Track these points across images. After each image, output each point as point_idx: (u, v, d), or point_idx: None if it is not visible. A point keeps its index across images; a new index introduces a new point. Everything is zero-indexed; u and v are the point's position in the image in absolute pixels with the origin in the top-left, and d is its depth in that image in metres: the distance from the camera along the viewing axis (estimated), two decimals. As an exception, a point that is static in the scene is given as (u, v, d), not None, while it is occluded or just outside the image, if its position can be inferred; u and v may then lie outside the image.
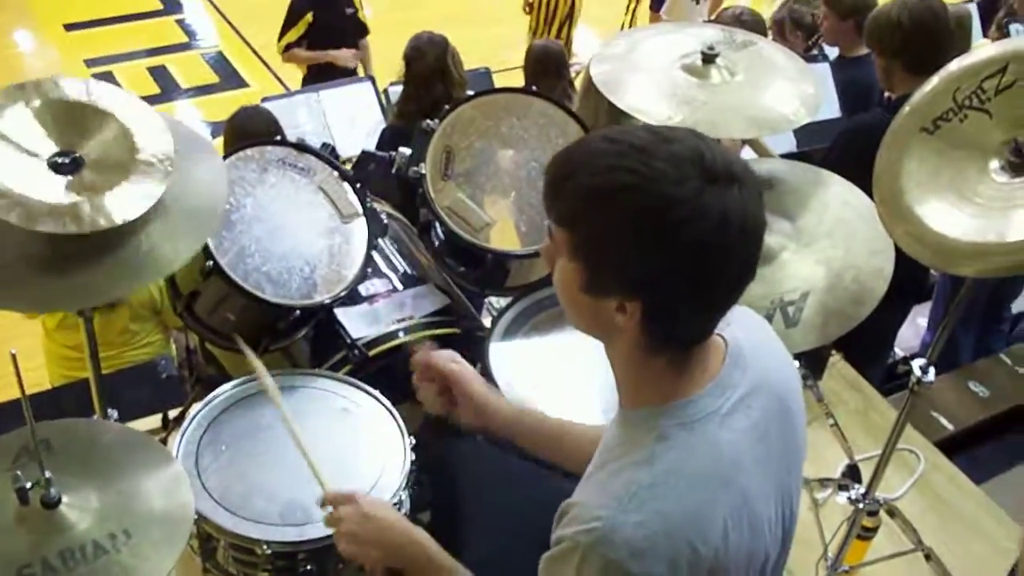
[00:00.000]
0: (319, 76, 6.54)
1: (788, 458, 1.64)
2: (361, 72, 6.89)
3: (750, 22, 4.58)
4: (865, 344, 3.85)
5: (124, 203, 2.08)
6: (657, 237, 1.39)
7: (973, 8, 5.79)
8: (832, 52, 5.37)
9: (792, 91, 2.69)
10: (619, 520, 1.42)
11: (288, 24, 6.58)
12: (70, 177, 2.10)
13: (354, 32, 6.81)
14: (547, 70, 5.23)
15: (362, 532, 1.91)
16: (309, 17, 6.51)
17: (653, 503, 1.44)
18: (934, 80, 2.27)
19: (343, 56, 6.62)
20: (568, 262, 1.51)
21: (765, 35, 4.74)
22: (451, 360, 2.14)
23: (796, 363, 2.87)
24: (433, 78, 4.59)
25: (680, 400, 1.52)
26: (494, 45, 8.15)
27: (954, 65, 2.26)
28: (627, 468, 1.49)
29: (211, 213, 2.32)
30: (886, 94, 4.58)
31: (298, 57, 6.67)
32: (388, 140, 4.49)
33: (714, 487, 1.48)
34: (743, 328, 1.65)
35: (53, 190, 2.06)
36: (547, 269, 2.89)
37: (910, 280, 3.54)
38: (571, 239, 1.49)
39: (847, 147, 3.80)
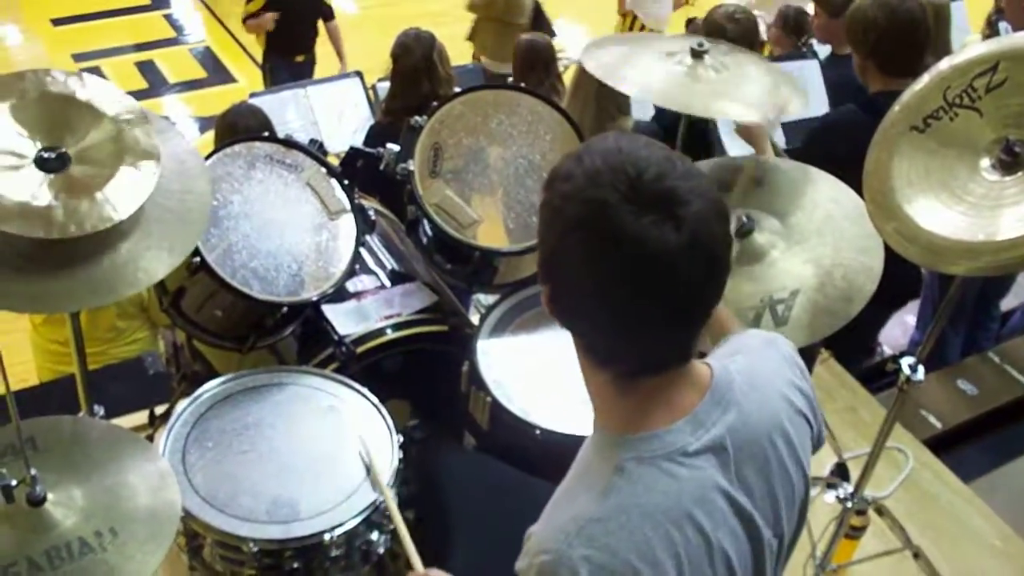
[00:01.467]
0: (278, 47, 7.02)
1: (770, 500, 1.57)
2: (335, 56, 7.21)
3: (743, 20, 4.56)
4: (847, 342, 3.86)
5: (101, 210, 2.06)
6: (564, 226, 1.38)
7: (960, 6, 5.77)
8: (823, 50, 5.37)
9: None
10: (565, 554, 1.40)
11: None
12: (55, 175, 2.08)
13: (315, 13, 7.04)
14: (535, 65, 5.21)
15: None
16: None
17: (602, 538, 1.41)
18: (924, 78, 2.26)
19: (265, 21, 6.84)
20: None
21: (757, 34, 4.72)
22: None
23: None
24: (420, 75, 4.56)
25: (642, 433, 1.48)
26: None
27: (944, 63, 2.24)
28: (580, 497, 1.47)
29: (192, 228, 2.28)
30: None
31: (252, 27, 6.96)
32: (375, 137, 4.47)
33: (668, 525, 1.43)
34: (747, 362, 1.60)
35: (32, 191, 2.04)
36: (535, 266, 2.90)
37: (900, 282, 3.53)
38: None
39: (814, 142, 3.78)
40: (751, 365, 1.60)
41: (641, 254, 1.33)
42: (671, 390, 1.50)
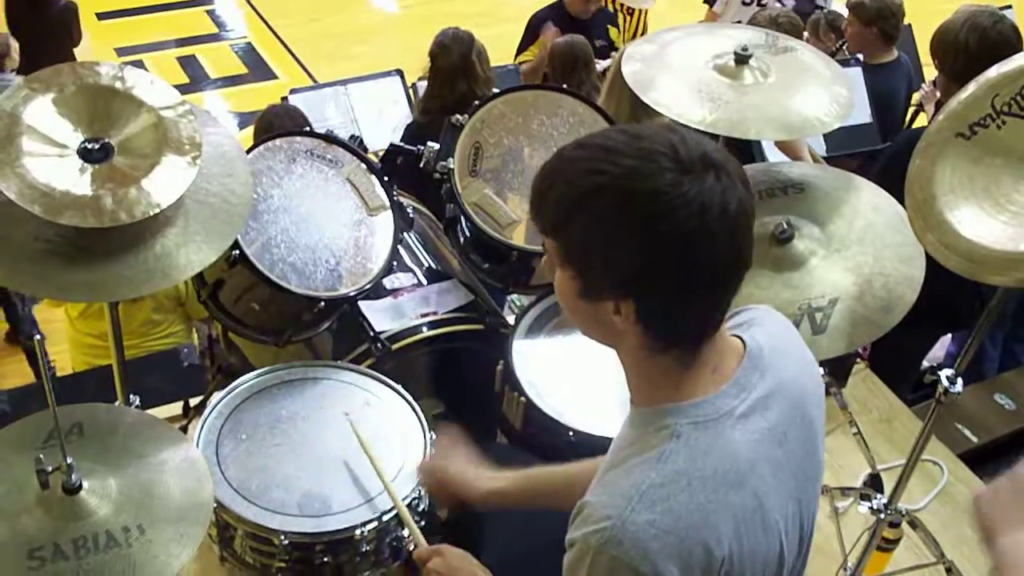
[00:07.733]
0: None
1: (806, 463, 1.62)
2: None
3: (786, 24, 4.55)
4: (894, 363, 3.81)
5: (147, 198, 2.08)
6: (636, 233, 1.38)
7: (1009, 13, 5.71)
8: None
9: (823, 96, 2.66)
10: (629, 520, 1.41)
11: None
12: (98, 165, 2.10)
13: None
14: (574, 67, 5.20)
15: None
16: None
17: (664, 502, 1.42)
18: (971, 86, 2.23)
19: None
20: (562, 271, 1.50)
21: (801, 37, 4.70)
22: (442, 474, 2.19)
23: (820, 370, 2.87)
24: (457, 75, 4.56)
25: (693, 399, 1.50)
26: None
27: (993, 71, 2.22)
28: (638, 466, 1.47)
29: (234, 219, 2.31)
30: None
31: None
32: (412, 136, 4.48)
33: (726, 487, 1.46)
34: (766, 331, 1.63)
35: (78, 181, 2.06)
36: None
37: (957, 308, 3.48)
38: (558, 248, 1.48)
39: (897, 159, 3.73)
40: (768, 333, 1.63)
41: (713, 215, 1.38)
42: (717, 356, 1.54)
